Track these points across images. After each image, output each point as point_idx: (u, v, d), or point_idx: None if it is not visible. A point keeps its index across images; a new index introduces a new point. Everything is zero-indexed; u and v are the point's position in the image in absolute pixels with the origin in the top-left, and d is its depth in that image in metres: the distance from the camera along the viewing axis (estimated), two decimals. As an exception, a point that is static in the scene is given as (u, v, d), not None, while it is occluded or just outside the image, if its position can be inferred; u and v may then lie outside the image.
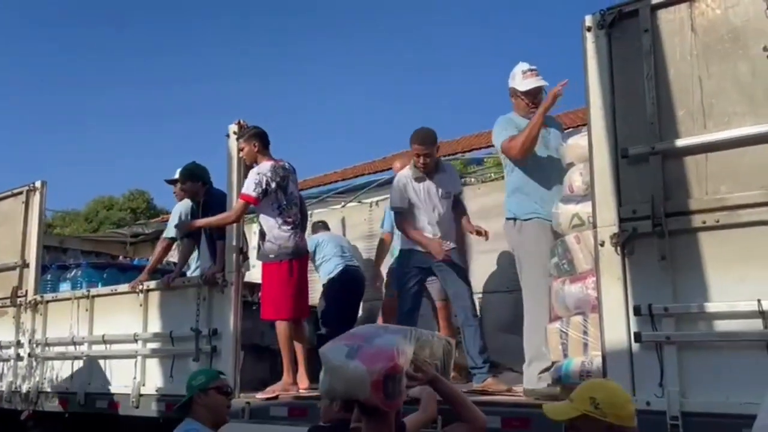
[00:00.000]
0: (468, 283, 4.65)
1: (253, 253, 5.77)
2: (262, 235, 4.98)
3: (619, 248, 3.26)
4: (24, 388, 6.25)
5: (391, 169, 6.61)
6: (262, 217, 4.96)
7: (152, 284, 5.52)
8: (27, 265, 6.49)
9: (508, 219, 4.28)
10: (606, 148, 3.37)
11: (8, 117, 56.90)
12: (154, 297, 5.49)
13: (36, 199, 6.54)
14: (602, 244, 3.33)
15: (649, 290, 3.18)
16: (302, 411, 4.30)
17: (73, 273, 6.93)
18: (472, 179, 7.92)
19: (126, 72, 62.14)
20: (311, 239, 6.10)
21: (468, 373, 4.55)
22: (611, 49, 3.41)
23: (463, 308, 4.53)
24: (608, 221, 3.32)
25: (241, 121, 5.08)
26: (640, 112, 3.29)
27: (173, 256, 6.75)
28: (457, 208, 4.85)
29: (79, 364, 5.89)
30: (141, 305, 5.51)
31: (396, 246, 5.45)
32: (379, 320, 5.55)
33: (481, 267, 5.80)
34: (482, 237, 4.66)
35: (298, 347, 4.90)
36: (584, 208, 3.59)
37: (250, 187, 4.79)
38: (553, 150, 4.22)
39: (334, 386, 2.24)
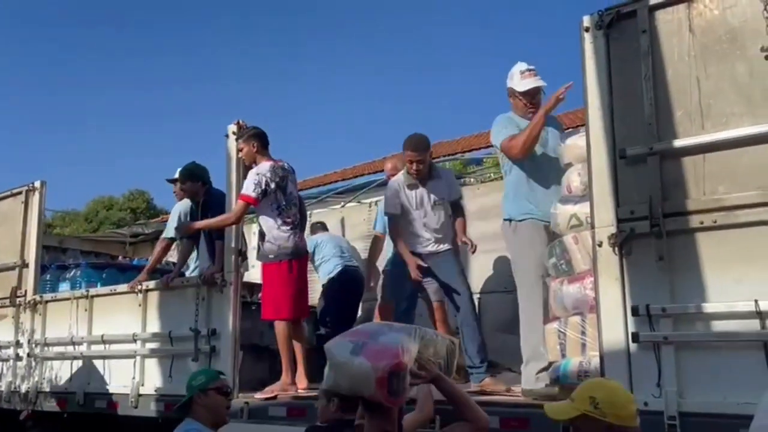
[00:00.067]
0: (466, 284, 4.65)
1: (252, 254, 5.77)
2: (262, 235, 4.98)
3: (617, 249, 3.27)
4: (23, 388, 6.25)
5: (389, 169, 6.60)
6: (262, 218, 4.95)
7: (151, 284, 5.51)
8: (26, 265, 6.49)
9: (504, 220, 4.29)
10: (604, 149, 3.37)
11: (8, 117, 56.99)
12: (153, 297, 5.48)
13: (35, 199, 6.54)
14: (600, 245, 3.33)
15: (647, 290, 3.18)
16: (301, 411, 4.30)
17: (72, 273, 6.91)
18: (472, 179, 7.94)
19: (126, 72, 62.23)
20: (310, 240, 6.10)
21: (466, 373, 4.55)
22: (609, 50, 3.42)
23: (461, 308, 4.52)
24: (606, 222, 3.33)
25: (240, 122, 5.08)
26: (638, 113, 3.29)
27: (172, 256, 6.74)
28: (455, 212, 4.83)
29: (78, 364, 5.89)
30: (140, 305, 5.51)
31: (389, 247, 5.45)
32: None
33: (480, 267, 5.82)
34: (470, 248, 4.63)
35: (297, 347, 4.89)
36: (582, 209, 3.59)
37: (249, 188, 4.78)
38: (552, 150, 4.22)
39: (339, 382, 2.25)
